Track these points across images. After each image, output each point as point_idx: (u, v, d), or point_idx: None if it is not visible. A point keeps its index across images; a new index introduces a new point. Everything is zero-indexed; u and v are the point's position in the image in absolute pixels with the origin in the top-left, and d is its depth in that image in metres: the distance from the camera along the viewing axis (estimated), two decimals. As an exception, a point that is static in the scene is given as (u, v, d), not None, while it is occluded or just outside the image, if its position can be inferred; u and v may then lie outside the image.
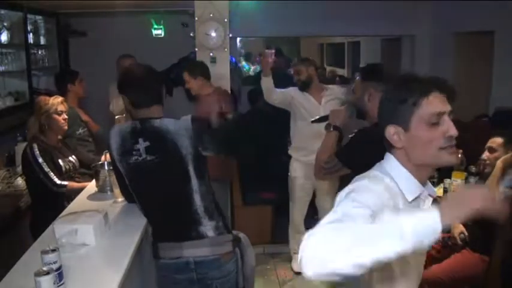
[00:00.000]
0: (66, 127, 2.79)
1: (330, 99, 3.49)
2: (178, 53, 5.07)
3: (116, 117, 3.08)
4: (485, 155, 2.78)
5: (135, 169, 1.86)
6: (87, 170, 2.87)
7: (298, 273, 3.61)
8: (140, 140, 1.84)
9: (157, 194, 1.88)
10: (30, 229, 2.72)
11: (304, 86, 3.52)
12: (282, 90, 3.62)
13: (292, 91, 3.61)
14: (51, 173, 2.63)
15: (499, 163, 2.56)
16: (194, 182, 1.85)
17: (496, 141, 2.74)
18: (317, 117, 2.37)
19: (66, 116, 2.77)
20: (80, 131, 3.38)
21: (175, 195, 1.87)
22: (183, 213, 1.88)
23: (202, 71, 3.48)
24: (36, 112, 2.73)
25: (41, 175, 2.61)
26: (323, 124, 2.20)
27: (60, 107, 2.74)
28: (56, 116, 2.71)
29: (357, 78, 2.29)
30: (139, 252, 1.89)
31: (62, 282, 1.49)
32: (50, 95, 2.88)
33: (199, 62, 3.66)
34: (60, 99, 2.78)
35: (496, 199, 1.03)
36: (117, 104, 3.06)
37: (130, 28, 4.91)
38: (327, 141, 2.10)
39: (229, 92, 3.87)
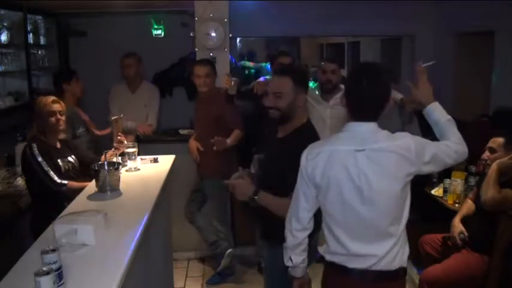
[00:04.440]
0: (61, 127, 2.76)
1: (337, 102, 3.32)
2: (178, 53, 5.06)
3: (113, 118, 3.04)
4: (486, 155, 2.78)
5: None
6: (88, 169, 2.85)
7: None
8: None
9: None
10: (30, 229, 2.72)
11: (333, 88, 3.38)
12: None
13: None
14: (51, 172, 2.63)
15: (494, 166, 2.57)
16: None
17: (497, 141, 2.74)
18: None
19: (60, 117, 2.74)
20: (80, 130, 3.39)
21: None
22: None
23: (215, 71, 3.49)
24: (34, 113, 2.74)
25: (41, 174, 2.61)
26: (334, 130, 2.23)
27: (53, 107, 2.71)
28: (47, 117, 2.70)
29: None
30: (139, 252, 1.89)
31: (61, 282, 1.49)
32: (50, 95, 2.88)
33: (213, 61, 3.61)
34: (50, 99, 2.75)
35: None
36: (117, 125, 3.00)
37: (130, 28, 4.90)
38: None
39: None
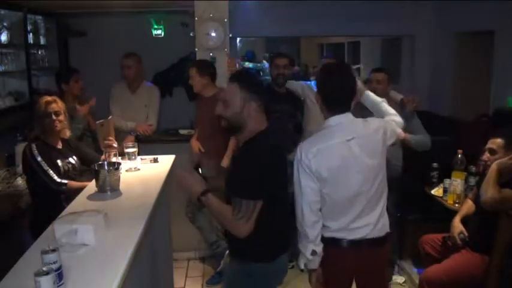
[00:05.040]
0: (57, 127, 2.74)
1: None
2: (178, 53, 5.07)
3: (97, 122, 2.93)
4: (486, 156, 2.77)
5: None
6: (88, 167, 2.82)
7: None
8: None
9: None
10: (30, 229, 2.72)
11: None
12: (300, 82, 3.63)
13: (307, 88, 3.57)
14: (51, 171, 2.63)
15: (493, 166, 2.56)
16: None
17: (496, 142, 2.73)
18: None
19: (55, 117, 2.72)
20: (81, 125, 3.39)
21: None
22: None
23: (211, 71, 3.47)
24: (34, 113, 2.75)
25: (41, 174, 2.61)
26: None
27: (48, 108, 2.69)
28: (43, 117, 2.69)
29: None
30: (139, 252, 1.89)
31: (61, 282, 1.48)
32: (50, 95, 2.88)
33: (209, 62, 3.61)
34: (45, 99, 2.73)
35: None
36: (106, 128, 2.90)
37: (130, 28, 4.91)
38: None
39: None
